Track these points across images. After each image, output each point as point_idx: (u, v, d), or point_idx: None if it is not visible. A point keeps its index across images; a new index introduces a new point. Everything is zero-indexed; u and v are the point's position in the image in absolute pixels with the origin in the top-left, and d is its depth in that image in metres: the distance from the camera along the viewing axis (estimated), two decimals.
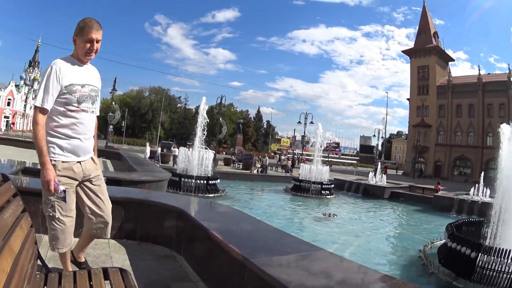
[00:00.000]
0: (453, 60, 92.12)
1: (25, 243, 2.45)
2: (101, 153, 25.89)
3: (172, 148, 44.69)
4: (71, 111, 3.70)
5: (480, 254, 11.03)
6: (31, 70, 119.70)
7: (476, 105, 74.99)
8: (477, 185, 29.33)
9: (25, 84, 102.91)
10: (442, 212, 24.80)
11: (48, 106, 3.57)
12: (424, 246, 14.67)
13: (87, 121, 3.86)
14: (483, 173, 32.07)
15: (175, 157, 35.90)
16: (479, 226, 14.92)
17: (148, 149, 43.55)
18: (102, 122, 58.74)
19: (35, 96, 3.70)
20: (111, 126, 55.34)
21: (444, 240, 13.66)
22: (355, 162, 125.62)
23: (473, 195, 28.68)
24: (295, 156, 78.29)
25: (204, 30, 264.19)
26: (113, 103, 57.18)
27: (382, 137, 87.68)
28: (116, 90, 57.82)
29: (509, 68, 71.56)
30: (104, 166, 19.42)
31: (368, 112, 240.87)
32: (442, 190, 32.58)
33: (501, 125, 15.11)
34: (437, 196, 28.68)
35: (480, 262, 10.92)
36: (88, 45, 3.70)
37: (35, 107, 3.57)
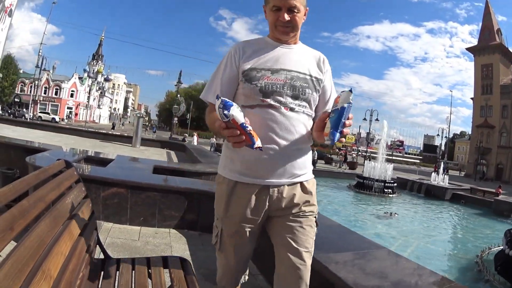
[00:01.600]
0: None
1: (85, 228, 2.50)
2: (165, 144, 26.22)
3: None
4: (252, 106, 2.42)
5: None
6: (95, 63, 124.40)
7: None
8: None
9: (89, 76, 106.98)
10: (502, 217, 23.96)
11: (210, 98, 2.59)
12: (482, 252, 14.14)
13: (281, 123, 2.39)
14: None
15: None
16: None
17: (195, 139, 45.61)
18: (167, 114, 59.48)
19: None
20: (175, 118, 56.21)
21: (502, 247, 13.31)
22: (418, 161, 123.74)
23: None
24: (347, 151, 78.65)
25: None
26: (178, 95, 57.80)
27: (445, 136, 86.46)
28: (182, 83, 58.09)
29: None
30: (168, 157, 19.74)
31: (432, 110, 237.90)
32: (502, 194, 31.75)
33: None
34: (498, 200, 27.42)
35: None
36: (276, 15, 2.46)
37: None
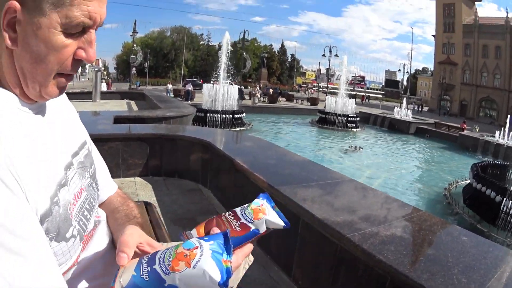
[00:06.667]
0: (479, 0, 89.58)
1: None
2: (125, 95, 26.03)
3: (186, 85, 45.67)
4: None
5: (505, 199, 10.72)
6: None
7: (503, 48, 72.21)
8: (502, 128, 28.65)
9: None
10: (467, 152, 24.69)
11: None
12: (449, 185, 14.47)
13: None
14: (509, 116, 31.07)
15: (188, 92, 38.17)
16: (504, 170, 14.34)
17: (104, 85, 44.85)
18: (125, 65, 58.51)
19: None
20: (133, 69, 55.26)
21: (469, 181, 13.54)
22: (381, 96, 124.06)
23: (499, 138, 27.72)
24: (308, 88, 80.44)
25: None
26: (135, 45, 56.85)
27: (407, 72, 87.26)
28: (137, 32, 57.08)
29: None
30: (129, 106, 19.51)
31: (392, 47, 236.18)
32: (467, 130, 32.42)
33: None
34: (463, 135, 28.15)
35: (505, 208, 10.58)
36: (73, 45, 1.05)
37: None
